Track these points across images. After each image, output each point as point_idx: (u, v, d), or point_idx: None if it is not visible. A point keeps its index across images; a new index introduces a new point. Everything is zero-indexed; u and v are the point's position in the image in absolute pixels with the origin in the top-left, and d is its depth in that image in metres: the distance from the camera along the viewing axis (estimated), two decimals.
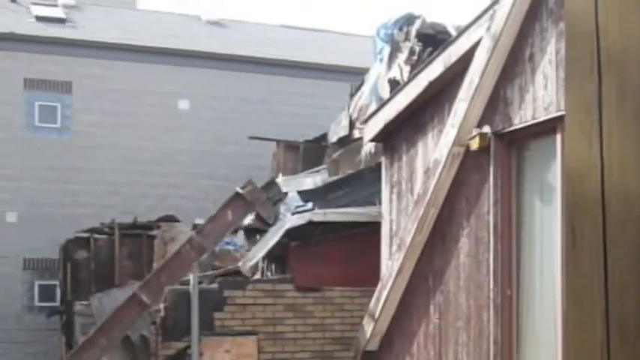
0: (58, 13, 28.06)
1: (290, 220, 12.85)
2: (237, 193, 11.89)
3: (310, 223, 12.75)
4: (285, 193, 14.99)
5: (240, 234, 16.12)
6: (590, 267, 1.48)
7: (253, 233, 14.63)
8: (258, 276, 14.10)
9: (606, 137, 1.45)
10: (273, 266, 13.64)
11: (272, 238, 12.95)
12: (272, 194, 13.17)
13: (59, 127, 25.82)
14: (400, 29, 13.22)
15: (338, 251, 12.89)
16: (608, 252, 1.45)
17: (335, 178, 14.76)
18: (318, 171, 16.64)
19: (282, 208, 14.51)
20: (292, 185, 15.13)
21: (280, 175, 18.02)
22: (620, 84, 1.44)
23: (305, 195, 13.95)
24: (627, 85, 1.42)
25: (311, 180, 15.49)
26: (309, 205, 13.61)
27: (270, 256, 13.63)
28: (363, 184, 13.47)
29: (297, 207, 13.78)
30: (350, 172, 14.55)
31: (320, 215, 12.87)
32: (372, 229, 10.58)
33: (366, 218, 12.13)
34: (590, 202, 1.48)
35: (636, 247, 1.40)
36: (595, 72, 1.48)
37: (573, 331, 1.53)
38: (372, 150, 13.63)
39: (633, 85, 1.41)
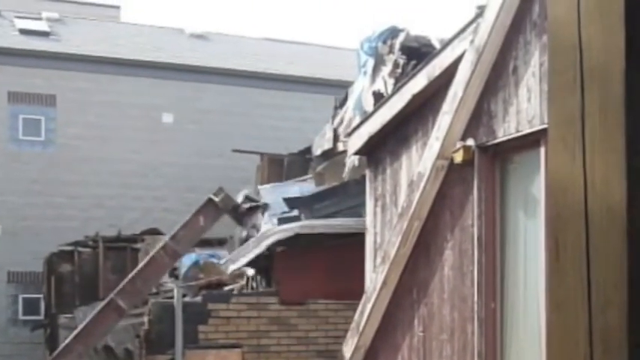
0: (42, 26, 28.01)
1: (276, 233, 12.83)
2: (209, 200, 12.21)
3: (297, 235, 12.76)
4: (266, 204, 15.01)
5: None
6: (573, 280, 1.48)
7: None
8: (243, 283, 14.07)
9: (589, 150, 1.46)
10: (258, 277, 13.60)
11: (257, 246, 12.93)
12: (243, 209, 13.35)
13: (43, 140, 25.76)
14: (384, 42, 13.25)
15: (324, 263, 12.87)
16: (591, 265, 1.45)
17: (321, 188, 14.77)
18: (304, 180, 16.65)
19: (265, 215, 14.51)
20: (278, 192, 15.13)
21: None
22: (602, 97, 1.44)
23: (291, 202, 13.96)
24: (610, 97, 1.42)
25: (297, 188, 15.49)
26: (295, 212, 13.62)
27: (256, 266, 13.60)
28: (348, 195, 13.49)
29: (283, 212, 13.78)
30: (335, 184, 14.57)
31: (307, 228, 12.86)
32: (358, 240, 10.57)
33: (353, 230, 12.12)
34: (573, 215, 1.48)
35: (619, 260, 1.40)
36: (578, 85, 1.48)
37: (556, 343, 1.53)
38: (356, 163, 13.64)
39: (616, 98, 1.41)
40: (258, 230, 14.22)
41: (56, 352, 12.61)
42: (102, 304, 12.37)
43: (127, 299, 11.89)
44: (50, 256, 20.47)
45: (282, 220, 13.57)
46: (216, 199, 12.31)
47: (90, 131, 25.74)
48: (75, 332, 12.27)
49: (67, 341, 12.22)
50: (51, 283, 19.95)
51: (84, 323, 12.27)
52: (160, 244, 12.19)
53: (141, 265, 12.21)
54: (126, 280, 12.18)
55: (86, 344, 11.99)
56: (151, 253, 12.24)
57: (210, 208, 12.27)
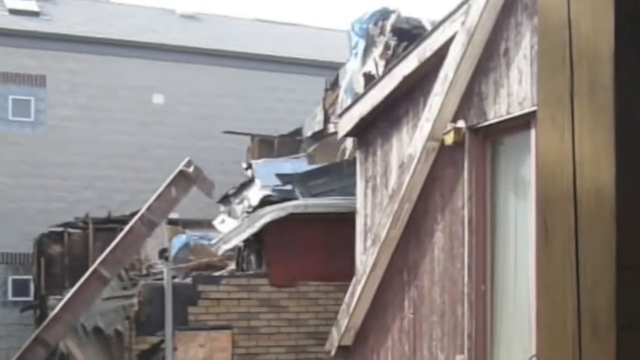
0: (31, 6, 27.86)
1: (270, 212, 12.83)
2: (181, 171, 12.83)
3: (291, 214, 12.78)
4: (252, 179, 15.05)
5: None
6: (561, 261, 1.48)
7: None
8: (233, 265, 14.08)
9: (578, 130, 1.45)
10: (249, 258, 13.61)
11: (250, 225, 12.93)
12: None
13: (33, 121, 25.65)
14: (375, 24, 13.21)
15: (315, 245, 12.87)
16: (579, 246, 1.44)
17: (315, 166, 14.79)
18: (297, 157, 16.66)
19: (256, 188, 14.51)
20: (270, 167, 15.13)
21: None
22: (591, 76, 1.43)
23: (285, 178, 13.96)
24: (599, 77, 1.42)
25: (289, 165, 15.50)
26: (289, 186, 13.63)
27: (247, 246, 13.61)
28: (342, 175, 13.50)
29: (276, 186, 13.79)
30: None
31: (301, 207, 12.86)
32: (350, 221, 10.57)
33: (348, 209, 12.11)
34: (562, 196, 1.47)
35: (607, 241, 1.40)
36: (567, 64, 1.47)
37: (545, 325, 1.53)
38: (348, 146, 13.65)
39: (604, 78, 1.41)
40: (249, 203, 14.22)
41: (45, 322, 12.86)
42: (86, 274, 12.81)
43: (110, 268, 12.45)
44: (40, 237, 20.43)
45: (276, 192, 13.59)
46: (187, 171, 12.87)
47: (80, 112, 25.65)
48: (62, 302, 12.71)
49: (54, 311, 12.63)
50: (41, 264, 19.92)
51: (70, 293, 12.71)
52: (137, 215, 12.79)
53: (120, 235, 12.79)
54: (107, 250, 12.72)
55: (73, 313, 12.50)
56: (129, 224, 12.84)
57: (182, 180, 12.87)
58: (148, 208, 12.73)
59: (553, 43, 1.51)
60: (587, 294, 1.43)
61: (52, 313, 12.72)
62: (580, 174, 1.43)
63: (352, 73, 13.96)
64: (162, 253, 16.36)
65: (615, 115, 1.39)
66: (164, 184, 12.98)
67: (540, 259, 1.56)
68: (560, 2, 1.49)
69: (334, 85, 16.02)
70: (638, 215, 1.40)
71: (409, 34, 12.21)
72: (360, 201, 10.31)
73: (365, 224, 10.11)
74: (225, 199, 17.42)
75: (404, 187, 8.68)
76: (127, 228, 12.89)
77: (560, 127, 1.48)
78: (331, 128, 15.22)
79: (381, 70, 12.04)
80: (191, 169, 12.91)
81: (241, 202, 15.58)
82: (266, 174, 14.74)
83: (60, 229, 20.26)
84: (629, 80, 1.41)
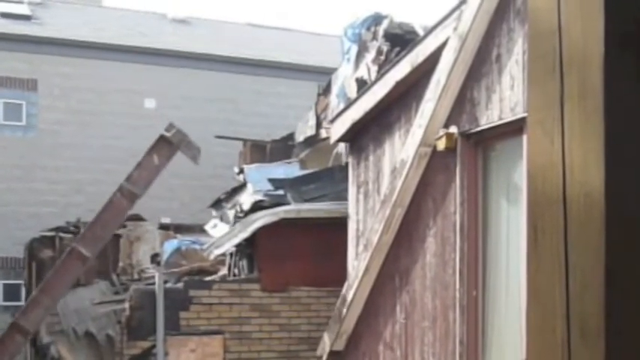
0: (23, 10, 27.86)
1: (262, 217, 12.83)
2: (162, 137, 11.80)
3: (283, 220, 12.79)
4: (244, 184, 15.04)
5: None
6: (551, 265, 1.48)
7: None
8: (224, 271, 14.08)
9: (568, 135, 1.45)
10: (241, 263, 13.61)
11: (242, 230, 12.93)
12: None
13: (24, 125, 25.64)
14: (368, 29, 13.24)
15: (307, 250, 12.87)
16: (569, 250, 1.45)
17: (307, 171, 14.80)
18: (289, 162, 16.67)
19: (248, 192, 14.51)
20: (263, 172, 15.14)
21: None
22: (581, 82, 1.44)
23: (277, 183, 13.97)
24: (589, 83, 1.42)
25: (282, 170, 15.51)
26: (281, 191, 13.63)
27: (238, 251, 13.61)
28: (334, 180, 13.51)
29: (268, 191, 13.79)
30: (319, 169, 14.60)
31: (293, 212, 12.87)
32: (342, 226, 10.58)
33: (340, 214, 12.12)
34: (551, 200, 1.48)
35: (597, 246, 1.40)
36: (557, 70, 1.48)
37: (534, 330, 1.53)
38: (340, 151, 13.67)
39: (595, 83, 1.41)
40: (241, 207, 14.22)
41: (22, 307, 12.23)
42: (64, 254, 12.02)
43: (89, 246, 11.57)
44: (31, 241, 20.40)
45: (268, 196, 13.59)
46: (168, 135, 11.90)
47: (71, 116, 25.63)
48: (40, 285, 11.92)
49: (32, 295, 11.88)
50: (32, 268, 19.88)
51: (48, 275, 11.91)
52: (118, 187, 11.86)
53: (101, 209, 11.86)
54: (86, 227, 11.86)
55: (52, 296, 11.67)
56: (110, 197, 11.90)
57: (164, 146, 11.86)
58: (128, 179, 11.75)
59: (543, 49, 1.51)
60: (576, 298, 1.43)
61: (29, 297, 11.88)
62: (570, 179, 1.44)
63: (344, 78, 13.98)
64: (154, 258, 16.36)
65: (605, 121, 1.40)
66: (145, 152, 12.01)
67: (530, 263, 1.56)
68: (550, 8, 1.50)
69: (327, 91, 16.03)
70: (627, 220, 1.41)
71: (402, 40, 12.23)
72: (352, 206, 10.31)
73: (357, 229, 10.12)
74: (217, 204, 17.41)
75: (396, 193, 8.69)
76: (106, 202, 11.95)
77: (550, 132, 1.48)
78: (323, 133, 15.24)
79: (373, 76, 12.06)
80: (173, 133, 11.91)
81: (233, 206, 15.58)
82: (258, 179, 14.75)
83: (51, 233, 20.23)
84: (619, 86, 1.42)
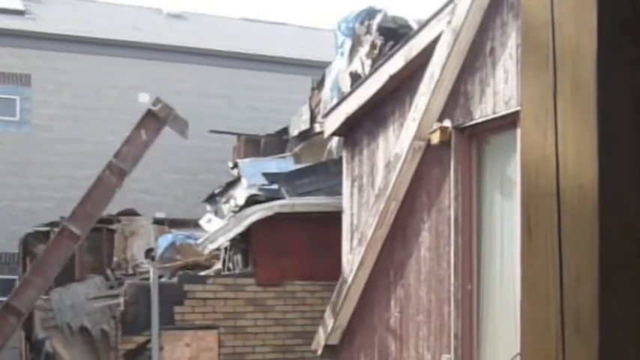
0: (16, 4, 27.78)
1: (257, 212, 12.83)
2: (149, 111, 11.72)
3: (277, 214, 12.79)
4: (238, 178, 15.04)
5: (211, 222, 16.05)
6: (545, 258, 1.48)
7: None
8: (219, 265, 14.08)
9: (561, 128, 1.46)
10: (235, 257, 13.60)
11: (237, 225, 12.92)
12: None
13: (18, 121, 25.58)
14: (361, 23, 13.23)
15: (301, 244, 12.87)
16: (563, 243, 1.45)
17: (301, 165, 14.79)
18: (283, 156, 16.66)
19: (242, 187, 14.51)
20: (257, 167, 15.13)
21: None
22: (574, 75, 1.44)
23: (271, 177, 13.96)
24: (582, 76, 1.42)
25: (276, 164, 15.50)
26: (275, 186, 13.63)
27: (233, 246, 13.61)
28: (328, 174, 13.50)
29: (262, 185, 13.78)
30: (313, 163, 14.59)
31: (288, 207, 12.86)
32: (337, 220, 10.58)
33: (334, 208, 12.12)
34: (545, 193, 1.48)
35: (590, 239, 1.40)
36: (550, 63, 1.48)
37: (528, 322, 1.53)
38: (334, 145, 13.67)
39: (587, 77, 1.41)
40: (235, 202, 14.22)
41: (15, 287, 12.03)
42: (55, 233, 11.94)
43: (80, 225, 11.52)
44: (25, 236, 20.37)
45: (263, 191, 13.58)
46: (155, 109, 11.82)
47: (65, 111, 25.58)
48: (32, 265, 11.77)
49: (25, 275, 11.76)
50: (26, 264, 19.85)
51: (40, 255, 11.78)
52: (105, 165, 11.72)
53: (89, 188, 11.76)
54: (76, 205, 11.75)
55: (45, 277, 11.63)
56: (98, 175, 11.81)
57: (151, 120, 11.80)
58: (117, 155, 11.65)
59: (536, 42, 1.51)
60: (570, 291, 1.44)
61: (22, 278, 11.89)
62: (563, 172, 1.44)
63: (338, 72, 13.97)
64: (149, 253, 16.35)
65: (598, 114, 1.40)
66: (133, 128, 11.90)
67: (524, 256, 1.57)
68: (544, 1, 1.50)
69: (321, 85, 16.03)
70: (620, 212, 1.41)
71: (395, 34, 12.23)
72: (347, 200, 10.32)
73: (351, 223, 10.12)
74: (212, 199, 17.40)
75: (390, 187, 8.69)
76: (95, 179, 11.81)
77: (543, 125, 1.49)
78: (317, 127, 15.23)
79: (367, 70, 12.06)
80: (159, 107, 11.79)
81: (227, 201, 15.57)
82: (252, 173, 14.73)
83: (46, 228, 20.20)
84: (612, 79, 1.42)
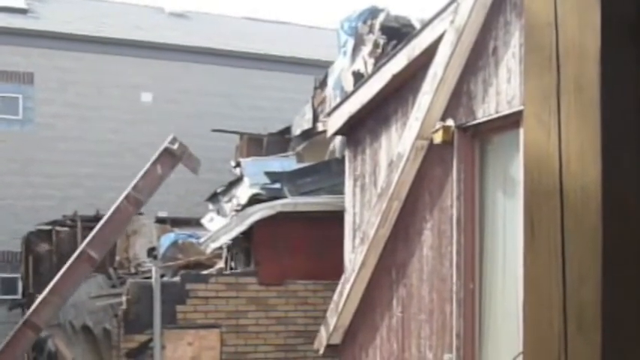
0: (19, 3, 27.80)
1: (259, 211, 12.83)
2: (166, 149, 12.61)
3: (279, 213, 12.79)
4: (241, 178, 15.05)
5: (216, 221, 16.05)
6: (548, 257, 1.48)
7: None
8: (221, 264, 14.09)
9: (564, 127, 1.46)
10: (237, 257, 13.62)
11: (239, 224, 12.93)
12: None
13: (21, 119, 25.61)
14: (364, 22, 13.23)
15: (304, 243, 12.88)
16: (566, 242, 1.45)
17: (304, 164, 14.79)
18: (286, 155, 16.67)
19: (244, 186, 14.52)
20: (259, 166, 15.13)
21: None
22: (578, 74, 1.44)
23: (273, 176, 13.96)
24: (585, 75, 1.42)
25: (278, 163, 15.50)
26: (277, 185, 13.63)
27: (235, 245, 13.62)
28: (330, 173, 13.50)
29: (265, 185, 13.78)
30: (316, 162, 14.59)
31: (290, 206, 12.87)
32: (339, 219, 10.58)
33: (336, 208, 12.11)
34: (548, 192, 1.48)
35: (594, 237, 1.41)
36: (553, 62, 1.48)
37: (531, 321, 1.54)
38: (337, 144, 13.66)
39: (591, 76, 1.41)
40: (238, 201, 14.23)
41: (34, 305, 12.72)
42: (73, 255, 12.63)
43: (97, 249, 12.26)
44: (28, 235, 20.40)
45: (265, 190, 13.59)
46: (172, 147, 12.63)
47: (68, 110, 25.60)
48: (50, 285, 12.48)
49: (43, 294, 12.43)
50: (29, 262, 19.89)
51: (58, 275, 12.49)
52: (123, 195, 12.63)
53: (107, 215, 12.59)
54: (94, 231, 12.52)
55: (62, 296, 12.32)
56: (116, 204, 12.62)
57: (167, 157, 12.65)
58: (134, 187, 12.56)
59: (539, 41, 1.51)
60: (573, 290, 1.44)
61: (40, 297, 12.56)
62: (566, 171, 1.44)
63: (341, 72, 13.97)
64: (151, 252, 16.36)
65: (602, 113, 1.40)
66: (149, 162, 12.76)
67: (527, 255, 1.57)
68: (547, 1, 1.50)
69: (323, 84, 16.02)
70: (623, 211, 1.42)
71: (398, 33, 12.23)
72: (349, 199, 10.32)
73: (354, 223, 10.12)
74: (214, 198, 17.41)
75: (393, 186, 8.69)
76: (113, 207, 12.67)
77: (546, 124, 1.49)
78: (320, 127, 15.23)
79: (370, 69, 12.05)
80: (176, 146, 12.65)
81: (230, 200, 15.58)
82: (255, 172, 14.74)
83: (48, 227, 20.23)
84: (616, 78, 1.42)
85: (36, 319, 12.22)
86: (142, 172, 12.63)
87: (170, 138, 12.79)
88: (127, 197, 12.50)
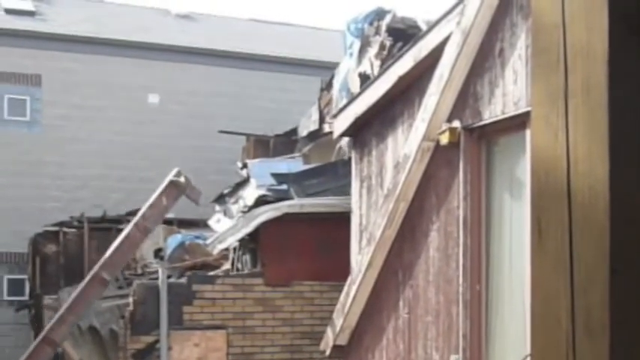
0: (27, 5, 27.84)
1: (265, 212, 12.84)
2: (171, 182, 13.63)
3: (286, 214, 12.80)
4: (247, 179, 15.08)
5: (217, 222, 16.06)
6: (555, 259, 1.48)
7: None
8: (227, 265, 14.10)
9: (572, 129, 1.45)
10: (244, 258, 13.62)
11: (245, 225, 12.94)
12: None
13: (28, 121, 25.64)
14: (370, 24, 13.23)
15: (310, 244, 12.88)
16: (573, 245, 1.45)
17: (310, 166, 14.80)
18: (292, 157, 16.67)
19: (251, 187, 14.53)
20: (266, 167, 15.14)
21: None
22: (586, 76, 1.44)
23: (280, 178, 13.97)
24: (593, 76, 1.42)
25: (285, 165, 15.51)
26: (284, 186, 13.64)
27: (242, 246, 13.63)
28: (337, 174, 13.51)
29: (271, 186, 13.79)
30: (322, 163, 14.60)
31: (296, 207, 12.87)
32: (346, 220, 10.58)
33: (342, 209, 12.11)
34: (556, 194, 1.48)
35: (601, 240, 1.40)
36: (561, 64, 1.48)
37: (539, 324, 1.53)
38: (341, 145, 13.67)
39: (599, 77, 1.41)
40: (244, 202, 14.23)
41: (50, 323, 13.31)
42: (87, 277, 13.41)
43: (109, 271, 13.15)
44: (35, 236, 20.41)
45: (272, 191, 13.60)
46: (179, 181, 13.62)
47: (75, 111, 25.63)
48: (65, 305, 13.30)
49: (59, 313, 13.25)
50: (36, 263, 19.91)
51: (73, 296, 13.27)
52: (132, 222, 13.57)
53: (117, 241, 13.42)
54: (106, 255, 13.38)
55: (77, 314, 13.22)
56: (125, 231, 13.57)
57: (172, 189, 13.62)
58: (142, 216, 13.51)
59: (547, 43, 1.51)
60: (581, 292, 1.44)
61: (56, 315, 13.43)
62: (574, 173, 1.44)
63: (347, 73, 13.97)
64: (158, 253, 16.36)
65: (609, 115, 1.40)
66: (155, 194, 13.63)
67: (534, 257, 1.56)
68: (554, 2, 1.50)
69: (330, 85, 16.03)
70: (631, 214, 1.41)
71: (404, 34, 12.22)
72: (356, 201, 10.31)
73: (360, 224, 10.12)
74: (221, 199, 17.42)
75: (399, 187, 8.68)
76: (123, 234, 13.52)
77: (554, 126, 1.48)
78: (326, 128, 15.24)
79: (376, 70, 12.05)
80: (182, 179, 13.61)
81: (236, 201, 15.59)
82: (261, 174, 14.75)
83: (55, 228, 20.25)
84: (624, 80, 1.42)
85: (54, 335, 13.00)
86: (149, 202, 13.58)
87: (175, 171, 13.75)
88: (136, 225, 13.44)
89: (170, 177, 13.82)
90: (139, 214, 13.71)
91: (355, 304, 9.74)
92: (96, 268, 13.59)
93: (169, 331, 12.23)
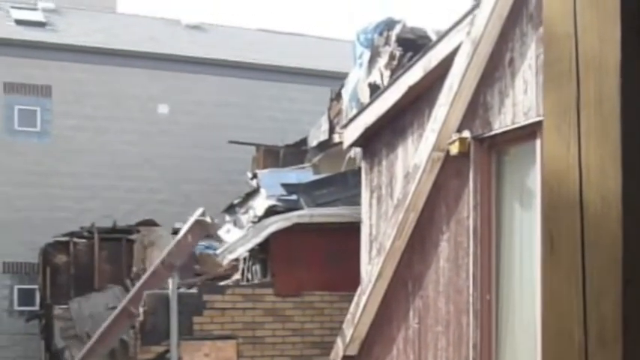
0: (37, 16, 27.95)
1: (276, 222, 12.84)
2: (197, 220, 14.73)
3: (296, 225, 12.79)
4: (257, 189, 15.11)
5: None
6: (567, 270, 1.48)
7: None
8: (238, 276, 14.11)
9: (584, 140, 1.45)
10: (254, 268, 13.63)
11: (256, 235, 12.94)
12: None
13: (39, 131, 25.72)
14: (380, 34, 13.23)
15: (320, 255, 12.87)
16: (585, 256, 1.44)
17: (320, 176, 14.80)
18: (302, 167, 16.68)
19: (261, 197, 14.55)
20: (276, 177, 15.15)
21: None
22: (598, 86, 1.43)
23: (290, 188, 13.97)
24: (605, 87, 1.42)
25: (295, 175, 15.52)
26: (294, 196, 13.64)
27: (252, 256, 13.63)
28: (347, 185, 13.51)
29: (281, 196, 13.79)
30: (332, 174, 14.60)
31: (306, 217, 12.87)
32: (356, 231, 10.57)
33: (352, 219, 12.10)
34: (568, 205, 1.47)
35: (613, 251, 1.40)
36: (573, 74, 1.47)
37: (551, 335, 1.53)
38: (352, 154, 13.67)
39: (611, 88, 1.41)
40: (254, 212, 14.25)
41: (81, 354, 14.07)
42: (115, 311, 14.31)
43: (136, 305, 13.63)
44: (45, 246, 20.46)
45: (282, 201, 13.60)
46: (205, 220, 14.75)
47: (85, 122, 25.71)
48: (95, 337, 14.17)
49: (89, 344, 14.10)
50: (46, 273, 19.94)
51: (102, 328, 14.09)
52: (159, 259, 14.42)
53: (145, 277, 14.23)
54: (134, 289, 14.27)
55: (105, 345, 14.09)
56: (152, 268, 14.41)
57: (197, 228, 14.73)
58: (169, 254, 14.41)
59: (559, 54, 1.51)
60: (593, 303, 1.43)
61: (86, 346, 14.30)
62: (586, 184, 1.44)
63: (357, 83, 13.97)
64: None
65: (622, 126, 1.40)
66: (181, 232, 14.69)
67: (546, 268, 1.56)
68: (566, 12, 1.50)
69: (339, 96, 16.03)
70: None
71: (414, 45, 12.22)
72: (365, 211, 10.31)
73: (370, 234, 10.11)
74: (231, 209, 17.43)
75: (409, 197, 8.68)
76: (150, 270, 14.45)
77: (566, 137, 1.48)
78: (336, 138, 15.23)
79: (386, 81, 12.05)
80: (208, 219, 14.71)
81: (246, 211, 15.61)
82: (271, 184, 14.76)
83: (65, 238, 20.29)
84: (636, 91, 1.41)
85: None
86: (175, 240, 14.64)
87: (200, 211, 14.83)
88: (162, 262, 14.35)
89: (195, 216, 14.80)
90: (165, 251, 14.64)
91: (365, 314, 9.73)
92: (124, 302, 14.45)
93: (179, 341, 12.23)
